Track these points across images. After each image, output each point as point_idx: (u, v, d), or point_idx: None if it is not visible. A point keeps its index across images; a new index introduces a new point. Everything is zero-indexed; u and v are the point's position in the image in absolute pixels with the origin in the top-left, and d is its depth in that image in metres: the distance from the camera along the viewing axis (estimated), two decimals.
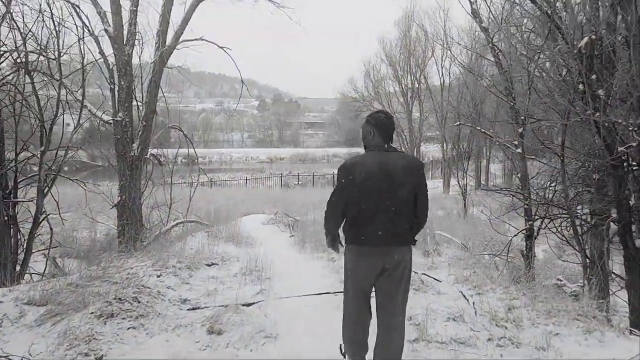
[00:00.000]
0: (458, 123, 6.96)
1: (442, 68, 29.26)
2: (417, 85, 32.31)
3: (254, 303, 4.98)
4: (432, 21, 28.06)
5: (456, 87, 26.69)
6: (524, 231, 6.58)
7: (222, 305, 4.81)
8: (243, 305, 4.86)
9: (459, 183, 18.61)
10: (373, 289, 3.46)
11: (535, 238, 6.57)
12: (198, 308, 4.85)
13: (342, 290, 3.60)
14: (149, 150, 9.10)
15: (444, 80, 29.03)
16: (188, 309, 4.80)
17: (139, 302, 4.60)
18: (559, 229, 5.88)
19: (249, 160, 73.32)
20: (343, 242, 3.54)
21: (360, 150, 3.66)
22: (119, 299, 4.51)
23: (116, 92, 8.75)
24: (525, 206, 6.56)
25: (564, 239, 5.85)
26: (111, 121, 8.72)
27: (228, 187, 30.38)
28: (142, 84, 9.08)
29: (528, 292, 4.93)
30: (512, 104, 6.47)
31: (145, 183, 10.40)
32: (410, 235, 3.47)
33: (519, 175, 6.71)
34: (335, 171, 3.68)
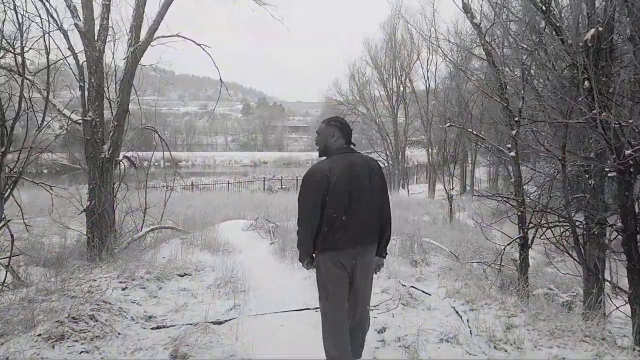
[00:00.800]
0: (448, 124, 6.60)
1: (427, 72, 29.04)
2: (402, 88, 32.05)
3: (226, 321, 4.51)
4: (418, 23, 27.78)
5: (442, 91, 26.48)
6: (518, 240, 6.19)
7: (190, 324, 4.34)
8: (213, 323, 4.39)
9: (445, 187, 18.27)
10: None
11: (529, 247, 6.18)
12: (163, 327, 4.36)
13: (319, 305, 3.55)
14: (121, 152, 8.59)
15: (429, 84, 28.82)
16: (152, 328, 4.32)
17: (96, 320, 4.10)
18: (558, 238, 5.49)
19: (233, 164, 72.66)
20: (314, 251, 3.46)
21: None
22: (73, 317, 4.01)
23: (86, 91, 8.24)
24: (519, 213, 6.18)
25: (563, 248, 5.46)
26: (80, 121, 8.21)
27: (209, 191, 29.78)
28: (115, 83, 8.58)
29: (527, 309, 4.52)
30: (505, 104, 6.09)
31: (117, 186, 9.91)
32: (378, 234, 3.54)
33: (512, 180, 6.32)
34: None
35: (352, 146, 3.60)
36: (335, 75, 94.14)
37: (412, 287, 5.44)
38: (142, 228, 9.78)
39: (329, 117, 3.76)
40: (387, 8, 43.85)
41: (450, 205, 17.70)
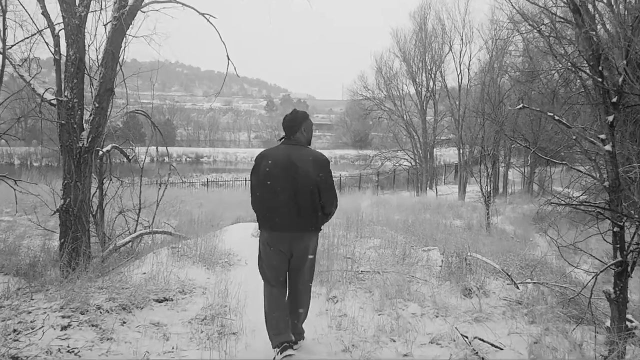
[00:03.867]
0: (521, 106, 4.93)
1: (460, 65, 27.15)
2: (432, 83, 30.22)
3: None
4: (450, 12, 25.95)
5: (477, 85, 24.64)
6: (613, 266, 4.51)
7: None
8: None
9: (481, 189, 16.48)
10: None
11: (629, 276, 4.51)
12: None
13: None
14: (103, 140, 7.16)
15: (461, 78, 26.93)
16: None
17: None
18: None
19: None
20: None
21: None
22: None
23: (62, 65, 6.82)
24: (615, 228, 4.50)
25: None
26: (54, 101, 6.78)
27: (227, 188, 28.45)
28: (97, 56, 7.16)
29: None
30: (598, 79, 4.42)
31: (107, 182, 8.54)
32: (315, 222, 3.85)
33: (605, 183, 4.65)
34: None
35: (293, 138, 3.94)
36: (362, 68, 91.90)
37: (477, 338, 3.84)
38: (135, 231, 8.38)
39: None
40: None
41: (488, 210, 15.89)
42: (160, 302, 4.68)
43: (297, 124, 3.94)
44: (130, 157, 8.67)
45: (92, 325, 3.81)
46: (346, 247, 7.32)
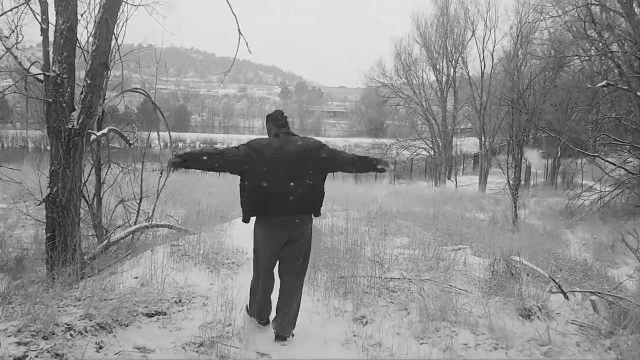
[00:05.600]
0: (605, 83, 3.93)
1: (483, 51, 25.91)
2: (453, 71, 29.02)
3: None
4: None
5: (500, 72, 23.49)
6: None
7: None
8: None
9: (509, 182, 15.47)
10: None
11: None
12: None
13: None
14: (101, 123, 6.35)
15: (485, 64, 25.71)
16: None
17: None
18: None
19: None
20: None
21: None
22: None
23: (50, 36, 6.00)
24: None
25: None
26: (41, 76, 5.97)
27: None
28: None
29: None
30: None
31: (106, 169, 7.77)
32: (312, 207, 3.93)
33: None
34: None
35: (286, 129, 3.97)
36: (380, 54, 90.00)
37: None
38: (136, 222, 7.59)
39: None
40: None
41: (515, 203, 14.85)
42: (150, 316, 3.85)
43: (285, 119, 4.06)
44: (131, 142, 7.83)
45: (55, 355, 2.97)
46: (370, 246, 6.45)
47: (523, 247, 8.74)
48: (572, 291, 5.58)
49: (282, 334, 3.82)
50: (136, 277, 4.65)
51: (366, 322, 4.00)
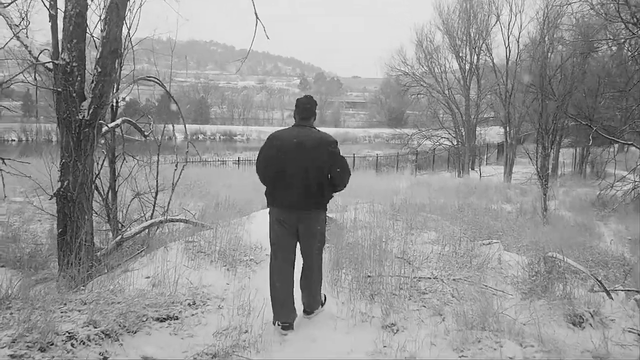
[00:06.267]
0: None
1: (508, 37, 25.08)
2: (476, 58, 28.27)
3: None
4: None
5: (527, 60, 22.74)
6: None
7: None
8: None
9: (538, 171, 14.89)
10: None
11: None
12: None
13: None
14: (105, 112, 6.07)
15: (510, 51, 24.91)
16: None
17: None
18: None
19: None
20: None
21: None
22: None
23: (59, 22, 5.72)
24: None
25: None
26: (50, 64, 5.70)
27: None
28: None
29: None
30: None
31: (121, 161, 7.53)
32: (322, 201, 4.02)
33: None
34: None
35: (305, 121, 4.06)
36: (401, 41, 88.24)
37: None
38: (152, 216, 7.33)
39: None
40: None
41: (545, 194, 14.27)
42: (161, 321, 3.55)
43: (312, 111, 4.13)
44: (146, 134, 7.54)
45: None
46: (396, 241, 6.07)
47: (554, 240, 8.29)
48: (615, 290, 5.15)
49: (307, 309, 4.03)
50: (148, 277, 4.36)
51: (397, 330, 3.62)
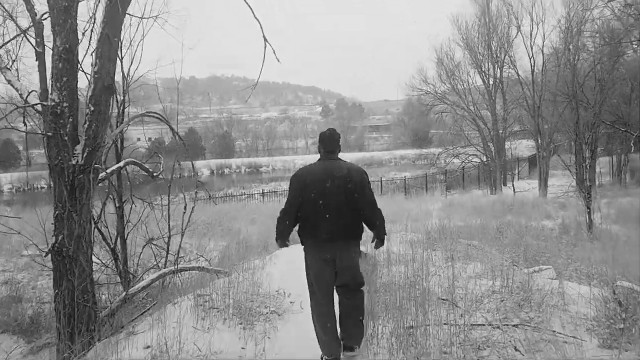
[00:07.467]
0: None
1: (532, 47, 24.21)
2: (499, 71, 27.42)
3: None
4: None
5: (554, 69, 21.84)
6: None
7: None
8: None
9: (579, 183, 13.86)
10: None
11: None
12: None
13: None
14: (101, 155, 5.52)
15: (535, 61, 24.02)
16: None
17: None
18: None
19: None
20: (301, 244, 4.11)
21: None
22: None
23: (47, 60, 5.24)
24: None
25: None
26: (39, 106, 5.21)
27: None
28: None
29: None
30: None
31: (130, 205, 7.01)
32: (356, 231, 4.01)
33: None
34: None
35: (333, 154, 4.14)
36: (420, 61, 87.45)
37: None
38: (165, 265, 6.72)
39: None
40: None
41: (589, 208, 13.21)
42: None
43: (336, 143, 4.19)
44: (154, 174, 6.98)
45: None
46: (437, 277, 5.30)
47: (607, 259, 7.38)
48: None
49: (347, 344, 3.81)
50: (147, 347, 3.67)
51: None
